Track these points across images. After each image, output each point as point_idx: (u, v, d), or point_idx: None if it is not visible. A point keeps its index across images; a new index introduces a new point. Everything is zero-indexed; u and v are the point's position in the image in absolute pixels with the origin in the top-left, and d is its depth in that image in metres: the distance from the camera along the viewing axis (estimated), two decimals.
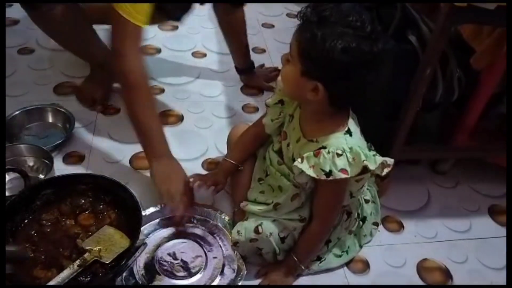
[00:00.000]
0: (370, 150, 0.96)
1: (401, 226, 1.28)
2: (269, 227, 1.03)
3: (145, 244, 1.01)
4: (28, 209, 1.03)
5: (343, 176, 0.88)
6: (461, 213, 1.35)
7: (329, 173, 0.88)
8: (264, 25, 2.14)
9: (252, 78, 1.71)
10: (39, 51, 1.72)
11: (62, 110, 1.41)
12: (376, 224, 1.21)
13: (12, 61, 1.66)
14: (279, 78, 0.99)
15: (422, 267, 1.18)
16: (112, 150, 1.37)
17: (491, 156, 1.41)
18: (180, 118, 1.53)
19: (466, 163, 1.48)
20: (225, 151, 1.40)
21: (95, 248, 0.96)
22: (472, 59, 1.22)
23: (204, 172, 1.35)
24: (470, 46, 1.26)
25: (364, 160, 0.87)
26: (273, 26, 2.14)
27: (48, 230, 1.02)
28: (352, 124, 0.95)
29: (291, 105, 1.05)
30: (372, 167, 0.88)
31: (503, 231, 1.31)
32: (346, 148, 0.89)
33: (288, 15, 2.25)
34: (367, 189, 1.16)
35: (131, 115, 1.15)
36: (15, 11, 1.93)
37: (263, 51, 1.95)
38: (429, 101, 1.24)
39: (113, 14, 1.09)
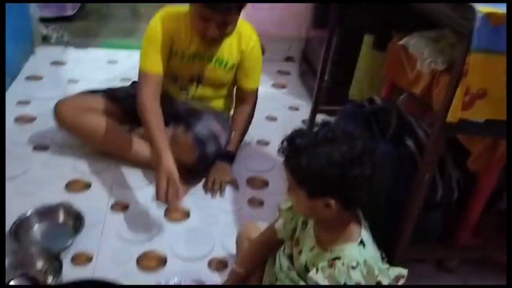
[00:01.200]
0: (382, 260, 0.98)
1: None
2: None
3: None
4: None
5: (356, 285, 0.89)
6: None
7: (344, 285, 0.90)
8: (268, 117, 2.24)
9: (218, 166, 1.73)
10: (53, 148, 1.80)
11: (72, 209, 1.45)
12: None
13: (26, 158, 1.74)
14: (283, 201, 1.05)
15: None
16: (120, 250, 1.39)
17: (492, 254, 1.42)
18: (187, 214, 1.56)
19: (473, 260, 1.47)
20: (231, 249, 1.42)
21: None
22: (469, 161, 1.27)
23: (209, 273, 1.35)
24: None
25: (377, 276, 0.89)
26: (276, 119, 2.24)
27: None
28: (365, 234, 0.97)
29: None
30: (385, 282, 0.89)
31: None
32: (361, 260, 0.91)
33: (290, 108, 2.36)
34: None
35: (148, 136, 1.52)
36: (32, 108, 2.05)
37: (267, 143, 2.03)
38: (430, 202, 1.27)
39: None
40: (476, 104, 0.97)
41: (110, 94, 1.77)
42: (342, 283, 0.90)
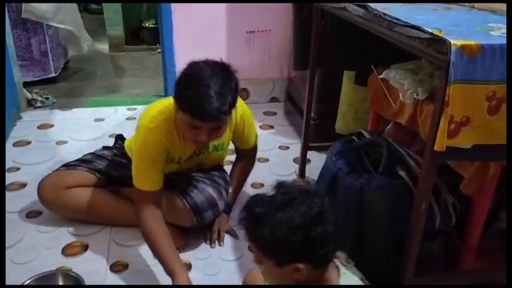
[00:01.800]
0: None
1: None
2: None
3: None
4: None
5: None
6: None
7: None
8: (259, 159, 2.25)
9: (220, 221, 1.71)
10: (46, 213, 1.77)
11: (71, 274, 1.42)
12: None
13: (20, 225, 1.71)
14: None
15: None
16: None
17: (498, 275, 1.41)
18: (188, 267, 1.54)
19: (479, 285, 1.46)
20: None
21: None
22: (461, 186, 1.29)
23: None
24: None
25: None
26: (267, 160, 2.26)
27: None
28: (344, 281, 0.97)
29: None
30: None
31: None
32: None
33: (280, 147, 2.39)
34: None
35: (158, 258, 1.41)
36: (22, 174, 2.04)
37: (262, 185, 2.03)
38: (430, 230, 1.28)
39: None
40: (462, 131, 1.00)
41: (89, 166, 1.71)
42: None
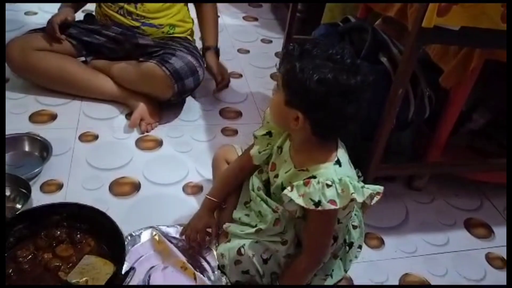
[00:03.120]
0: (358, 178, 0.99)
1: (382, 242, 1.30)
2: (251, 248, 1.03)
3: (133, 269, 0.99)
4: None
5: (332, 207, 0.89)
6: (439, 228, 1.38)
7: (318, 203, 0.89)
8: (240, 50, 2.18)
9: (212, 59, 1.70)
10: (13, 80, 1.70)
11: (38, 138, 1.40)
12: (360, 247, 1.20)
13: None
14: (267, 109, 1.03)
15: (404, 282, 1.20)
16: (91, 177, 1.36)
17: (462, 171, 1.46)
18: (159, 143, 1.53)
19: (440, 179, 1.52)
20: (206, 174, 1.41)
21: (81, 280, 0.94)
22: (441, 78, 1.28)
23: (185, 196, 1.34)
24: (439, 66, 1.33)
25: (352, 193, 0.89)
26: (248, 51, 2.18)
27: (26, 266, 0.99)
28: (341, 154, 0.97)
29: (279, 137, 1.07)
30: (359, 199, 0.89)
31: (479, 243, 1.35)
32: (336, 179, 0.90)
33: (262, 40, 2.30)
34: (355, 214, 1.14)
35: None
36: None
37: (240, 76, 1.99)
38: (402, 120, 1.29)
39: None
40: (452, 10, 0.95)
41: (61, 29, 1.63)
42: (316, 200, 0.89)
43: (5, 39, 1.69)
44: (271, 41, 2.30)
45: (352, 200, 0.89)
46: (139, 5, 1.60)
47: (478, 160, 1.46)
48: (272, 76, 2.00)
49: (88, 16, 1.76)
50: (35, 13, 2.21)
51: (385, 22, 1.61)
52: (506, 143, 1.45)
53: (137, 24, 1.62)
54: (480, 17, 0.98)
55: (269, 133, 1.09)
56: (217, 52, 1.73)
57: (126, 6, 1.60)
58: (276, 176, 1.05)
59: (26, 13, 2.20)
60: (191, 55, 1.56)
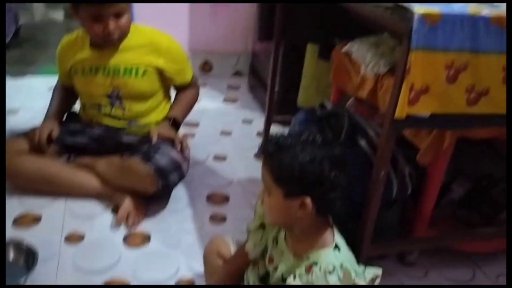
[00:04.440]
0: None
1: None
2: None
3: None
4: None
5: (341, 285, 0.90)
6: None
7: None
8: (222, 132, 2.24)
9: (161, 127, 1.67)
10: None
11: (23, 247, 1.36)
12: None
13: None
14: (258, 202, 1.05)
15: None
16: (80, 282, 1.32)
17: (449, 243, 1.48)
18: (147, 238, 1.51)
19: (431, 252, 1.53)
20: (197, 268, 1.38)
21: None
22: (418, 156, 1.33)
23: None
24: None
25: (354, 279, 0.90)
26: (230, 133, 2.24)
27: None
28: (338, 238, 0.98)
29: (272, 228, 1.08)
30: (362, 283, 0.91)
31: None
32: (337, 264, 0.92)
33: (243, 121, 2.37)
34: None
35: None
36: None
37: (224, 158, 2.02)
38: (387, 199, 1.32)
39: None
40: (421, 99, 1.02)
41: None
42: None
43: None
44: (251, 121, 2.37)
45: (356, 285, 0.90)
46: (126, 109, 1.65)
47: (463, 231, 1.48)
48: (256, 156, 2.03)
49: (71, 114, 1.80)
50: (18, 110, 2.25)
51: (358, 102, 1.71)
52: (487, 212, 1.50)
53: (123, 125, 1.67)
54: (447, 103, 1.05)
55: (262, 226, 1.10)
56: (174, 124, 1.70)
57: (113, 110, 1.65)
58: (276, 268, 1.05)
59: (9, 110, 2.23)
60: (175, 151, 1.59)
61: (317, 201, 0.93)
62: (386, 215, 1.35)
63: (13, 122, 2.12)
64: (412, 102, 1.02)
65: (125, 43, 1.60)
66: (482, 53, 0.99)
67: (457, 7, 0.98)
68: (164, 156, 1.54)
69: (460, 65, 0.99)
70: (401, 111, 1.00)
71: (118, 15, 1.50)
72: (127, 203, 1.55)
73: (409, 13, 0.93)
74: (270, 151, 0.94)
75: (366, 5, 1.11)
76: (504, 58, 1.01)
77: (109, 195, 1.62)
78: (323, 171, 0.90)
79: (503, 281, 1.46)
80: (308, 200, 0.92)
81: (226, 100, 2.59)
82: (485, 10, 0.97)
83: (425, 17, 0.92)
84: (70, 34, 1.68)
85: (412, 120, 1.06)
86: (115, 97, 1.63)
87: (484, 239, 1.45)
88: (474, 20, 0.95)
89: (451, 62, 0.98)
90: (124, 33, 1.57)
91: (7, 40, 2.96)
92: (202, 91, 1.88)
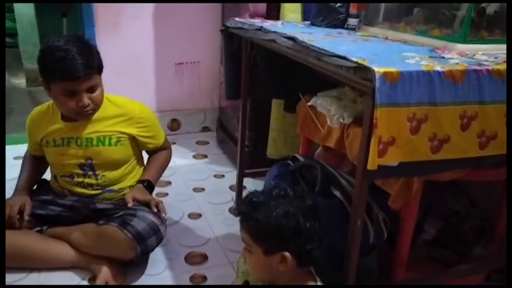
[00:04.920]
0: None
1: None
2: None
3: None
4: None
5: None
6: None
7: None
8: (195, 189, 2.24)
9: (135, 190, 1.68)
10: None
11: None
12: None
13: None
14: (240, 259, 1.07)
15: None
16: None
17: (428, 283, 1.52)
18: None
19: None
20: None
21: None
22: (389, 201, 1.39)
23: None
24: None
25: None
26: (203, 189, 2.25)
27: None
28: None
29: (255, 283, 1.10)
30: None
31: None
32: None
33: (215, 176, 2.39)
34: None
35: None
36: None
37: (199, 215, 2.01)
38: (365, 246, 1.36)
39: None
40: (389, 150, 1.08)
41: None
42: None
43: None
44: (223, 175, 2.40)
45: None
46: (99, 176, 1.64)
47: (438, 271, 1.53)
48: (230, 211, 2.04)
49: (42, 183, 1.77)
50: None
51: (326, 150, 1.78)
52: (459, 250, 1.56)
53: (97, 192, 1.65)
54: (412, 153, 1.12)
55: (246, 282, 1.11)
56: (148, 186, 1.71)
57: (86, 179, 1.64)
58: None
59: None
60: (152, 214, 1.58)
61: (296, 254, 0.97)
62: (366, 261, 1.38)
63: None
64: (381, 153, 1.08)
65: (98, 114, 1.62)
66: (439, 105, 1.07)
67: (412, 65, 1.08)
68: (142, 221, 1.53)
69: (421, 117, 1.07)
70: (372, 163, 1.06)
71: (91, 90, 1.52)
72: (104, 272, 1.51)
73: (370, 73, 1.01)
74: (245, 211, 0.99)
75: (329, 66, 1.19)
76: (460, 108, 1.10)
77: (86, 264, 1.57)
78: (299, 223, 0.95)
79: None
80: (287, 254, 0.96)
81: (196, 156, 2.62)
82: (437, 66, 1.07)
83: (385, 75, 1.01)
84: (41, 106, 1.69)
85: (382, 171, 1.11)
86: (88, 166, 1.63)
87: (459, 277, 1.50)
88: (429, 75, 1.04)
89: (412, 114, 1.06)
90: (97, 106, 1.58)
91: None
92: (172, 149, 1.91)
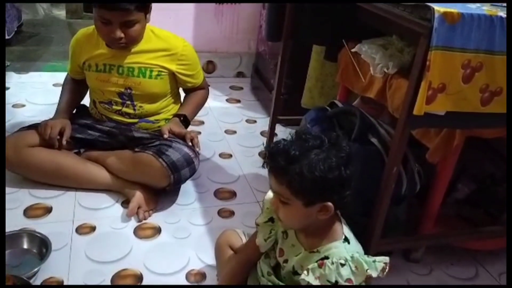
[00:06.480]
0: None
1: None
2: None
3: None
4: None
5: (349, 285, 0.92)
6: None
7: (335, 284, 0.92)
8: (227, 131, 2.26)
9: (171, 123, 1.70)
10: (6, 174, 1.68)
11: (37, 235, 1.37)
12: None
13: None
14: (266, 196, 1.07)
15: None
16: (91, 272, 1.33)
17: (455, 241, 1.52)
18: (158, 230, 1.53)
19: (436, 249, 1.57)
20: (207, 260, 1.41)
21: None
22: (427, 155, 1.37)
23: (189, 285, 1.33)
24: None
25: (367, 270, 0.92)
26: (235, 132, 2.26)
27: None
28: (347, 231, 1.01)
29: None
30: (374, 274, 0.93)
31: None
32: (348, 257, 0.94)
33: (247, 121, 2.40)
34: None
35: None
36: None
37: (230, 156, 2.04)
38: (396, 196, 1.35)
39: None
40: (438, 98, 1.05)
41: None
42: (333, 281, 0.93)
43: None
44: (255, 121, 2.40)
45: (368, 276, 0.92)
46: (137, 107, 1.66)
47: (468, 229, 1.52)
48: (260, 155, 2.06)
49: (81, 108, 1.81)
50: (23, 105, 2.25)
51: (364, 102, 1.74)
52: (491, 211, 1.54)
53: (134, 121, 1.68)
54: (462, 102, 1.09)
55: (271, 219, 1.12)
56: (184, 121, 1.73)
57: (124, 108, 1.66)
58: (286, 261, 1.07)
59: (14, 106, 2.23)
60: (187, 146, 1.60)
61: (338, 202, 0.96)
62: (395, 211, 1.38)
63: (19, 116, 2.13)
64: (429, 100, 1.05)
65: (140, 46, 1.61)
66: (497, 54, 1.03)
67: (473, 8, 1.02)
68: (177, 152, 1.56)
69: (476, 64, 1.03)
70: (419, 108, 1.03)
71: (128, 24, 1.50)
72: (137, 197, 1.56)
73: (429, 12, 0.96)
74: (283, 165, 0.92)
75: (382, 5, 1.14)
76: None
77: (120, 188, 1.63)
78: (342, 174, 0.92)
79: (505, 279, 1.50)
80: (329, 204, 0.94)
81: (229, 100, 2.61)
82: (500, 12, 1.01)
83: (445, 15, 0.96)
84: (86, 28, 1.69)
85: (427, 118, 1.09)
86: (127, 96, 1.65)
87: (488, 237, 1.49)
88: (491, 20, 0.99)
89: (467, 61, 1.02)
90: (133, 41, 1.57)
91: (10, 35, 2.95)
92: None
